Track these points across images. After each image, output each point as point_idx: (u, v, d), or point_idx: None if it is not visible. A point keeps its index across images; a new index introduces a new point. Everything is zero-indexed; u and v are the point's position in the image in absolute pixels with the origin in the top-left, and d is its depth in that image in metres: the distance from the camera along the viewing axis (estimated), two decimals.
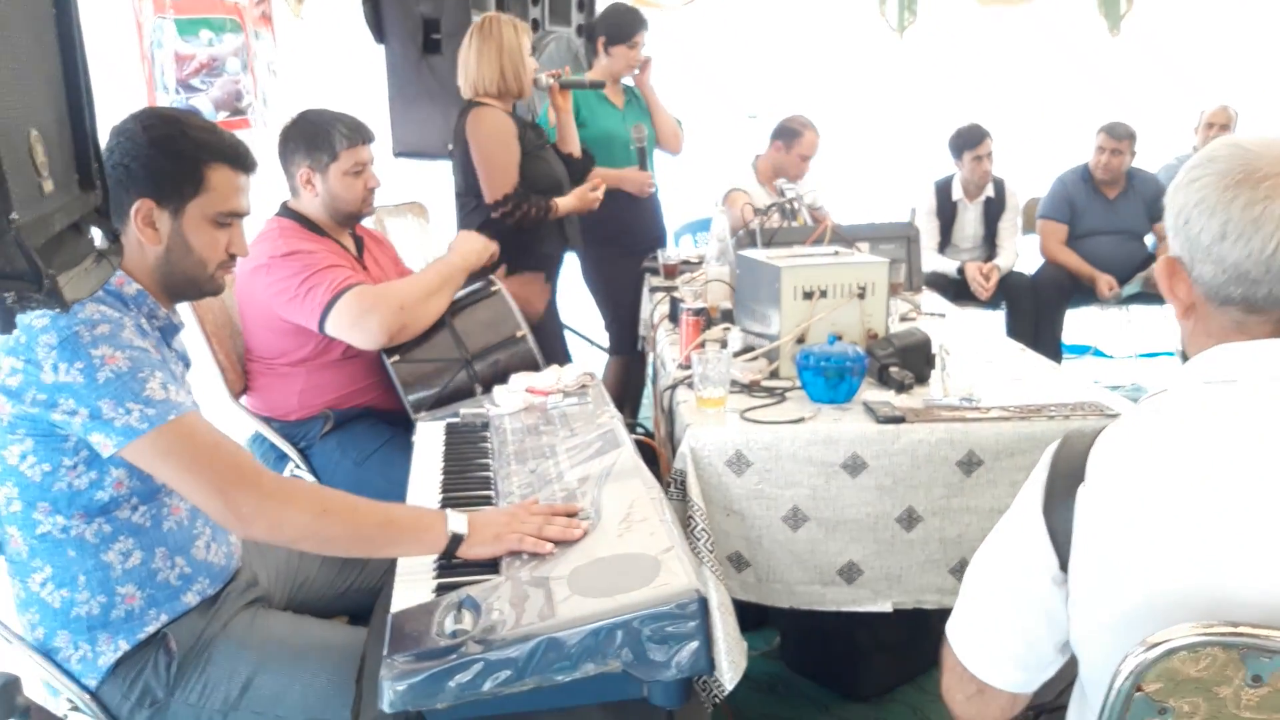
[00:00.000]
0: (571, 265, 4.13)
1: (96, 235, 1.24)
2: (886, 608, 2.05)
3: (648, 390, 4.35)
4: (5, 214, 0.85)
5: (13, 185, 0.88)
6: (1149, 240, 4.88)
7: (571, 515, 1.59)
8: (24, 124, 0.97)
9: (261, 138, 3.08)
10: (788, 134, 4.43)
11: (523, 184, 3.22)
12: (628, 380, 4.22)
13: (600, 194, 3.43)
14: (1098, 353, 5.58)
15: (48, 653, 1.57)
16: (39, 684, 1.59)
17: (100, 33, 2.62)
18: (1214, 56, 5.98)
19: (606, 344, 4.30)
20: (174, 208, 1.61)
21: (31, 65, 1.04)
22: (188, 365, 1.81)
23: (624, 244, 3.98)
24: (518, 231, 3.20)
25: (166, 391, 1.49)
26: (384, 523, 1.54)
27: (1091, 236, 4.79)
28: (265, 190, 3.24)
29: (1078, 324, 5.16)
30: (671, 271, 3.61)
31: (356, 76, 4.44)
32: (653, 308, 3.37)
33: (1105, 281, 4.62)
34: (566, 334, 4.08)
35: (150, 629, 1.58)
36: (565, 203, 3.31)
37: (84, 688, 1.56)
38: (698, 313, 2.54)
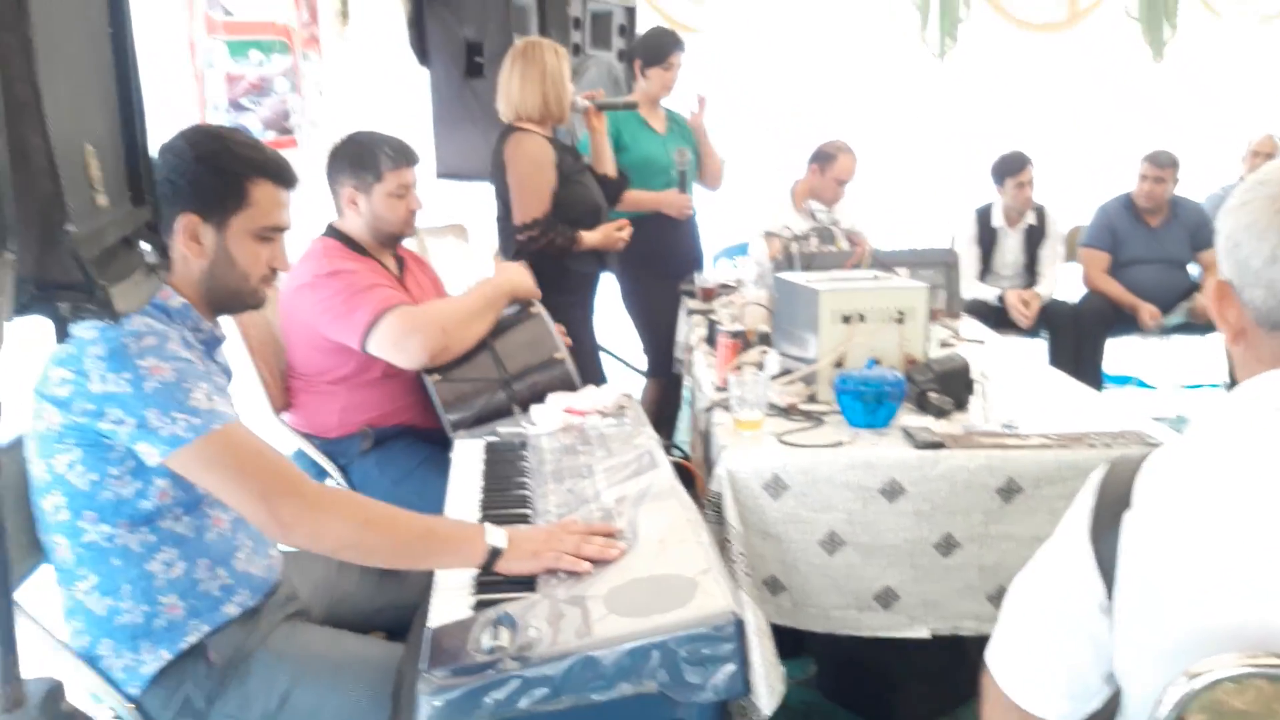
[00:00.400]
0: (609, 287, 4.14)
1: (146, 250, 1.26)
2: (924, 634, 2.03)
3: (684, 413, 4.35)
4: (62, 226, 0.87)
5: (69, 199, 0.90)
6: (1193, 269, 4.82)
7: (609, 535, 1.59)
8: (80, 140, 1.00)
9: (308, 157, 3.13)
10: (823, 157, 4.43)
11: (558, 209, 3.22)
12: (664, 403, 4.22)
13: (626, 235, 3.40)
14: (1140, 383, 5.51)
15: (91, 660, 1.59)
16: (83, 691, 1.61)
17: (154, 53, 2.69)
18: (1260, 84, 5.92)
19: (643, 366, 4.31)
20: (218, 222, 1.64)
21: (88, 84, 1.07)
22: (230, 377, 1.84)
23: (662, 267, 3.98)
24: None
25: (211, 401, 1.51)
26: (424, 534, 1.56)
27: (1134, 265, 4.74)
28: (311, 209, 3.30)
29: (1120, 354, 5.10)
30: (709, 295, 3.62)
31: (400, 98, 4.51)
32: (689, 330, 3.38)
33: (1148, 311, 4.57)
34: (603, 356, 4.09)
35: (191, 639, 1.59)
36: (590, 238, 3.29)
37: (126, 696, 1.57)
38: (735, 335, 2.54)
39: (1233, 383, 1.11)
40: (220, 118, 2.82)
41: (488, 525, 1.56)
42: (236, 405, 1.72)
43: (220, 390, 1.59)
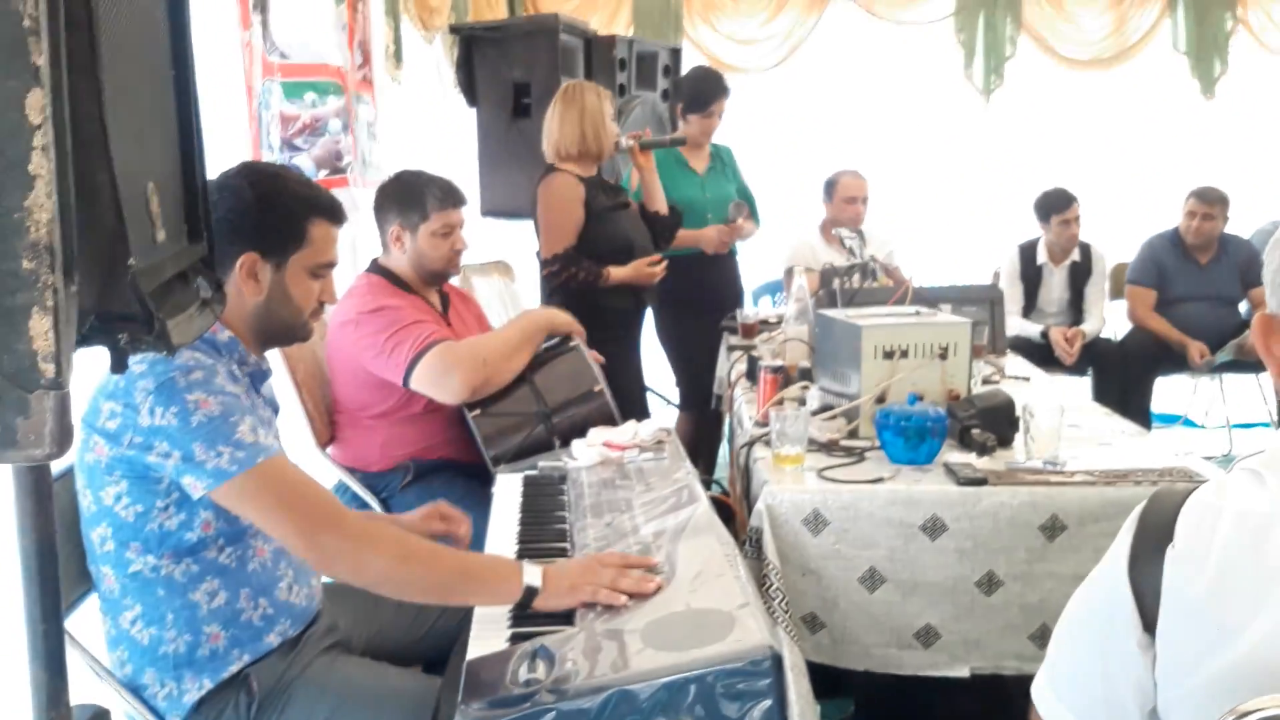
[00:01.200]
0: (646, 323, 4.16)
1: (201, 284, 1.30)
2: (964, 673, 2.00)
3: (723, 450, 4.34)
4: (124, 259, 0.90)
5: (131, 233, 0.93)
6: (1243, 307, 4.74)
7: (648, 568, 1.59)
8: (143, 178, 1.04)
9: (360, 196, 3.20)
10: (827, 186, 4.49)
11: (585, 245, 3.26)
12: (698, 437, 4.21)
13: (660, 270, 3.41)
14: (1188, 422, 5.41)
15: (135, 689, 1.61)
16: (126, 719, 1.64)
17: (213, 93, 2.77)
18: None
19: (677, 399, 4.31)
20: (277, 261, 1.68)
21: (152, 124, 1.11)
22: (276, 411, 1.87)
23: (700, 302, 4.00)
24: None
25: (256, 435, 1.54)
26: (462, 571, 1.57)
27: (1183, 303, 4.67)
28: (362, 246, 3.36)
29: (1167, 392, 5.01)
30: (750, 331, 3.63)
31: (449, 138, 4.60)
32: (730, 366, 3.38)
33: (1196, 349, 4.49)
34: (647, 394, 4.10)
35: (233, 668, 1.62)
36: (620, 273, 3.31)
37: None
38: (776, 370, 2.54)
39: None
40: (274, 157, 2.89)
41: (525, 563, 1.57)
42: (282, 439, 1.76)
43: (265, 423, 1.62)
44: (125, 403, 1.52)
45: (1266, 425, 5.06)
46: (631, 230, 3.47)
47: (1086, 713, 1.10)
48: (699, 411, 4.12)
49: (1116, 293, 4.93)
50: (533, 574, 1.54)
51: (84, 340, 0.91)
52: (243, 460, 1.51)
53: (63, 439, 0.82)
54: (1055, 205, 4.68)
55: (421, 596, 1.61)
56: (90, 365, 1.21)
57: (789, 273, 4.14)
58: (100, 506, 1.57)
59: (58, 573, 1.04)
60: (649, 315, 4.10)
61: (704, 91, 4.00)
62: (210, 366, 1.57)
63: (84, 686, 1.63)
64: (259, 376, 1.74)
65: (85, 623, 1.68)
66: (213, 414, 1.52)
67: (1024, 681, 1.17)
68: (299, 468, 1.60)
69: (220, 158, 1.69)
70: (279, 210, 1.67)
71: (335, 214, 1.74)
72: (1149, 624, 1.04)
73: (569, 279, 3.23)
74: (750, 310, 4.07)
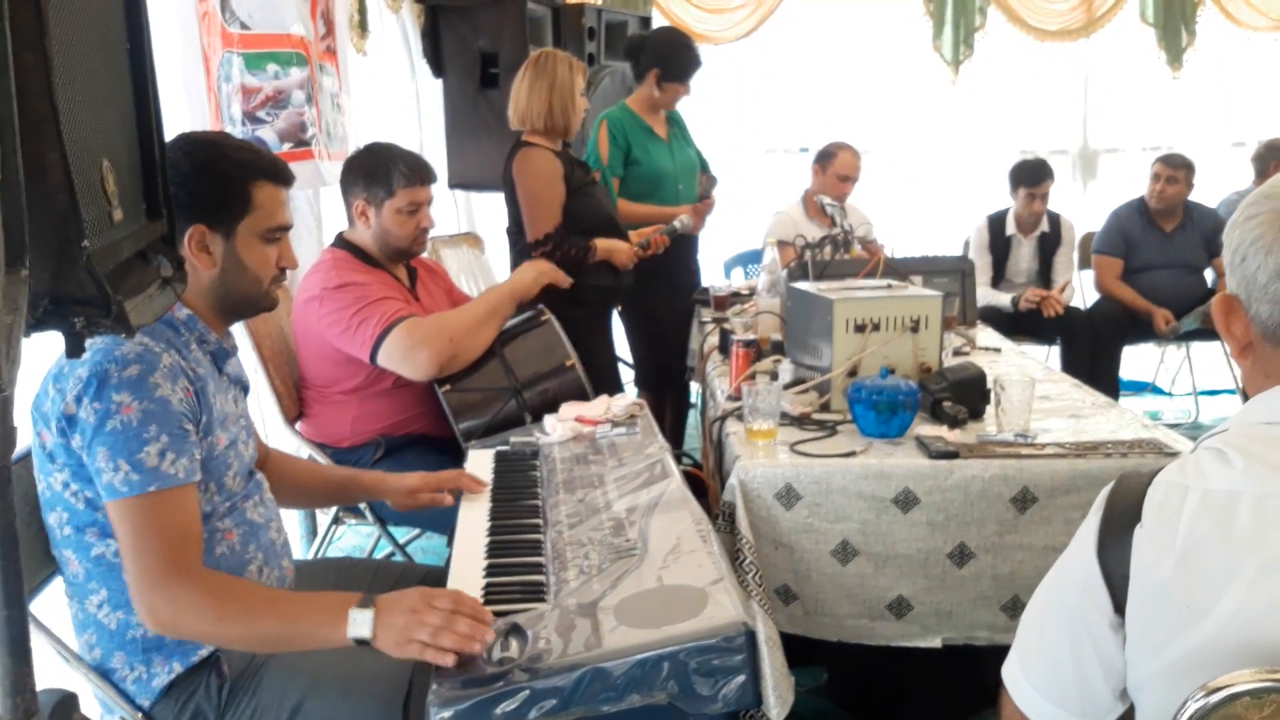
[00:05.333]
0: None
1: (161, 262, 1.27)
2: (936, 643, 2.02)
3: (693, 421, 4.34)
4: (78, 241, 0.88)
5: (85, 213, 0.91)
6: (1209, 275, 4.79)
7: (477, 616, 1.41)
8: (97, 154, 1.01)
9: (326, 169, 3.14)
10: (824, 156, 4.43)
11: (570, 221, 3.21)
12: (660, 416, 4.18)
13: (634, 255, 3.37)
14: (1156, 390, 5.48)
15: (105, 673, 1.59)
16: (94, 702, 1.62)
17: (171, 66, 2.71)
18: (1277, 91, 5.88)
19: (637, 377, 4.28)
20: (225, 230, 1.63)
21: (106, 99, 1.07)
22: (246, 389, 1.84)
23: (664, 279, 3.97)
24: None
25: (160, 459, 1.48)
26: (280, 633, 1.48)
27: (1148, 270, 4.71)
28: (328, 221, 3.31)
29: (1136, 360, 5.07)
30: (722, 303, 3.62)
31: (415, 109, 4.53)
32: (702, 339, 3.37)
33: (1161, 316, 4.54)
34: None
35: (203, 652, 1.60)
36: (604, 244, 3.26)
37: (137, 708, 1.58)
38: (748, 344, 2.54)
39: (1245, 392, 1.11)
40: (236, 130, 2.84)
41: (352, 612, 1.42)
42: (252, 417, 1.71)
43: (179, 441, 1.51)
44: (59, 388, 1.49)
45: (1232, 392, 5.13)
46: (608, 205, 3.45)
47: (1057, 695, 1.11)
48: (657, 391, 4.09)
49: (1085, 262, 4.96)
50: (361, 623, 1.41)
51: (38, 325, 0.89)
52: (134, 484, 1.46)
53: (4, 445, 0.80)
54: (1024, 178, 4.69)
55: (249, 649, 1.58)
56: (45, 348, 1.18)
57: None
58: (52, 492, 1.55)
59: (19, 558, 1.01)
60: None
61: (687, 62, 3.86)
62: (154, 358, 1.50)
63: (51, 671, 1.61)
64: (221, 355, 1.70)
65: (51, 606, 1.66)
66: (128, 423, 1.46)
67: (995, 651, 1.18)
68: (182, 505, 1.51)
69: (180, 132, 1.66)
70: (218, 177, 1.61)
71: (279, 175, 1.69)
72: (1119, 605, 1.04)
73: (562, 257, 3.18)
74: (722, 282, 4.05)
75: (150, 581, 1.47)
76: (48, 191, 0.86)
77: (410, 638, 1.37)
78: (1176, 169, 4.64)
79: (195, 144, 1.64)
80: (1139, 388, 5.43)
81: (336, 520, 2.94)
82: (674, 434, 4.27)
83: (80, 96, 0.96)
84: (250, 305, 1.72)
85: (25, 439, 1.57)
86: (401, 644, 1.38)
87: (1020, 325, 4.59)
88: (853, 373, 2.28)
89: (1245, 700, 0.93)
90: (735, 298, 3.68)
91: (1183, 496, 1.02)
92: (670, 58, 3.88)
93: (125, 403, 1.47)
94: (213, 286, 1.65)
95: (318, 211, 3.39)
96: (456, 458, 2.42)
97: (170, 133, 1.35)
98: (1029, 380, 2.14)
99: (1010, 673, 1.15)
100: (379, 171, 2.57)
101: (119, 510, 1.48)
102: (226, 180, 1.62)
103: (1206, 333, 4.64)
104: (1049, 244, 4.81)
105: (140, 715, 1.58)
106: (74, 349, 0.93)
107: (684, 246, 4.06)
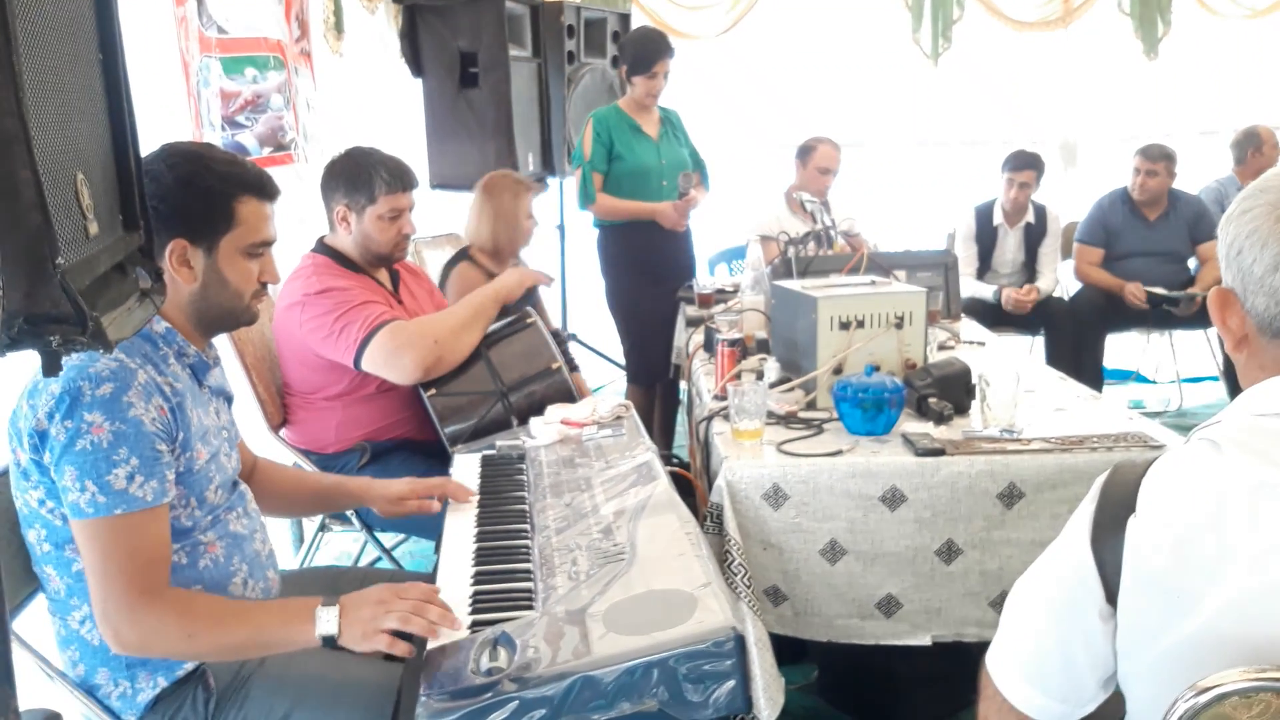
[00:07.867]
0: (596, 290, 4.14)
1: (140, 274, 1.25)
2: (925, 641, 2.02)
3: (681, 419, 4.33)
4: (52, 259, 0.86)
5: (59, 229, 0.89)
6: (1191, 263, 4.81)
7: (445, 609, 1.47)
8: (70, 168, 0.99)
9: (305, 173, 3.12)
10: (804, 151, 4.44)
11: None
12: (650, 410, 4.19)
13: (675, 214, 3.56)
14: (1140, 378, 5.50)
15: (89, 689, 1.58)
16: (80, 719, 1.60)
17: (148, 73, 2.68)
18: (1253, 78, 5.92)
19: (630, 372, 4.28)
20: (208, 245, 1.60)
21: (78, 109, 1.05)
22: (229, 400, 1.82)
23: (652, 274, 3.98)
24: None
25: (129, 483, 1.46)
26: (253, 637, 1.50)
27: (1131, 258, 4.73)
28: (308, 227, 3.29)
29: (1119, 349, 5.08)
30: (706, 301, 3.61)
31: (395, 110, 4.51)
32: (688, 337, 3.37)
33: (1130, 289, 4.54)
34: (591, 358, 4.01)
35: (189, 666, 1.58)
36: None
37: None
38: (733, 343, 2.53)
39: (1228, 375, 1.11)
40: (216, 135, 2.81)
41: (318, 611, 1.46)
42: (239, 427, 1.69)
43: (150, 464, 1.49)
44: (31, 404, 1.47)
45: (1215, 379, 5.15)
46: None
47: (1041, 681, 1.11)
48: (648, 385, 4.09)
49: (1068, 252, 4.98)
50: (327, 620, 1.45)
51: (13, 344, 0.87)
52: (101, 506, 1.44)
53: None
54: (1011, 162, 4.71)
55: (222, 660, 1.58)
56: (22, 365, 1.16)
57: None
58: (30, 509, 1.53)
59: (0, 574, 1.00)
60: (601, 284, 4.08)
61: (647, 52, 3.90)
62: (129, 376, 1.48)
63: (34, 689, 1.60)
64: (202, 368, 1.68)
65: (34, 623, 1.64)
66: (98, 444, 1.44)
67: (984, 647, 1.18)
68: (153, 528, 1.50)
69: (160, 140, 1.63)
70: (202, 192, 1.58)
71: (264, 190, 1.65)
72: (1110, 594, 1.04)
73: None
74: (706, 279, 4.05)
75: (115, 605, 1.46)
76: (20, 210, 0.84)
77: (377, 628, 1.40)
78: (1155, 161, 4.66)
79: (179, 156, 1.61)
80: (1123, 376, 5.45)
81: (324, 527, 2.93)
82: (663, 432, 4.27)
83: (51, 110, 0.95)
84: (231, 319, 1.69)
85: (4, 456, 1.56)
86: (369, 635, 1.41)
87: (1004, 317, 4.60)
88: (838, 370, 2.28)
89: (1234, 700, 0.93)
90: (719, 295, 3.68)
91: (1178, 488, 1.02)
92: (632, 52, 3.98)
93: (96, 423, 1.44)
94: (193, 300, 1.63)
95: (299, 216, 3.36)
96: (442, 462, 2.41)
97: (151, 142, 1.33)
98: (1014, 375, 2.14)
99: (994, 660, 1.15)
100: (360, 177, 2.55)
101: (84, 531, 1.46)
102: (210, 194, 1.59)
103: (1188, 321, 4.64)
104: (1035, 235, 4.82)
105: None
106: (51, 367, 0.91)
107: (678, 241, 4.06)
